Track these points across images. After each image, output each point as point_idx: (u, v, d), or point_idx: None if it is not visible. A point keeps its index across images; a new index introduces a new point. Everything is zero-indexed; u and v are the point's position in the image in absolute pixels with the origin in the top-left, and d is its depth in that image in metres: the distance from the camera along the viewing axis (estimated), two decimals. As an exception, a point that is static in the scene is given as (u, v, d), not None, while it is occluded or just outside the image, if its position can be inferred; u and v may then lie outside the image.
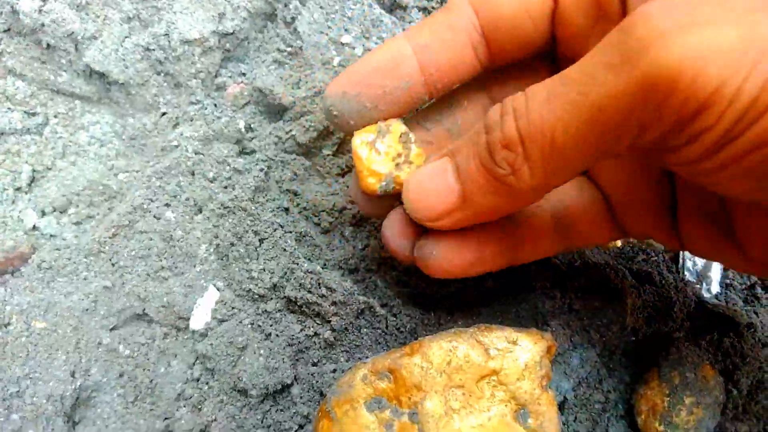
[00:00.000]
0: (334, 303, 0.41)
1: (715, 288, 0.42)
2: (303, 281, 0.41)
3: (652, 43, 0.22)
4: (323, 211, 0.46)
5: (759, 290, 0.44)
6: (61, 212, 0.50)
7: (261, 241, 0.44)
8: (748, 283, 0.44)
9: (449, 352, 0.37)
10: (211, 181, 0.47)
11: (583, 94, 0.25)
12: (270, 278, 0.42)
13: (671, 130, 0.24)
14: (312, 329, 0.42)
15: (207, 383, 0.42)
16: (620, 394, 0.41)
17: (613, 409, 0.41)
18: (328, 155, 0.50)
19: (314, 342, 0.42)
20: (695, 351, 0.40)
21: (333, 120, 0.36)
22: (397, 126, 0.36)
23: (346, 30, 0.52)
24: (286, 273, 0.42)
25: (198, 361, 0.43)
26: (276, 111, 0.51)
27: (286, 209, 0.46)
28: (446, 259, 0.34)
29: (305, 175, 0.49)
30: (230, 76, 0.53)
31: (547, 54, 0.36)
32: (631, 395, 0.41)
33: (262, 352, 0.41)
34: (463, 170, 0.30)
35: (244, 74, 0.53)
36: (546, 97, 0.26)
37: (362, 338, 0.42)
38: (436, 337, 0.37)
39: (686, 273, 0.43)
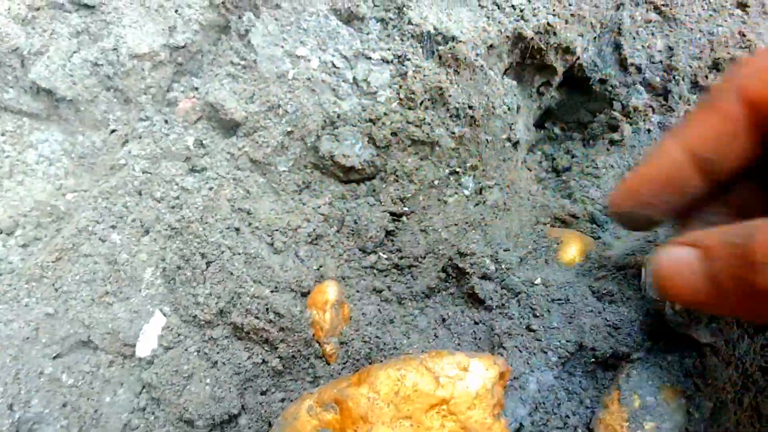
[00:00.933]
0: (282, 329, 0.40)
1: (678, 306, 0.41)
2: (249, 306, 0.40)
3: None
4: (277, 230, 0.45)
5: (722, 307, 0.42)
6: (7, 234, 0.49)
7: (208, 264, 0.42)
8: (711, 300, 0.43)
9: (397, 381, 0.35)
10: (159, 201, 0.45)
11: None
12: (216, 303, 0.41)
13: None
14: (260, 356, 0.40)
15: (153, 413, 0.41)
16: (580, 417, 0.40)
17: (570, 435, 0.40)
18: (284, 171, 0.48)
19: (262, 370, 0.40)
20: (656, 372, 0.39)
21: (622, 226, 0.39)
22: None
23: (301, 42, 0.50)
24: (232, 298, 0.41)
25: (144, 390, 0.41)
26: (228, 126, 0.49)
27: (237, 229, 0.44)
28: None
29: (259, 193, 0.47)
30: (182, 91, 0.51)
31: None
32: (591, 419, 0.40)
33: (208, 381, 0.40)
34: (719, 282, 0.28)
35: (196, 89, 0.51)
36: None
37: (313, 366, 0.40)
38: (384, 366, 0.36)
39: (648, 290, 0.41)
